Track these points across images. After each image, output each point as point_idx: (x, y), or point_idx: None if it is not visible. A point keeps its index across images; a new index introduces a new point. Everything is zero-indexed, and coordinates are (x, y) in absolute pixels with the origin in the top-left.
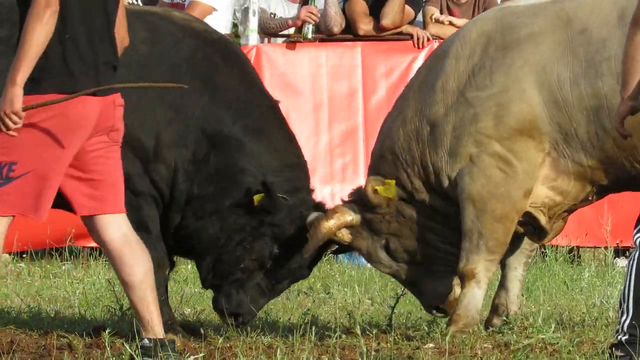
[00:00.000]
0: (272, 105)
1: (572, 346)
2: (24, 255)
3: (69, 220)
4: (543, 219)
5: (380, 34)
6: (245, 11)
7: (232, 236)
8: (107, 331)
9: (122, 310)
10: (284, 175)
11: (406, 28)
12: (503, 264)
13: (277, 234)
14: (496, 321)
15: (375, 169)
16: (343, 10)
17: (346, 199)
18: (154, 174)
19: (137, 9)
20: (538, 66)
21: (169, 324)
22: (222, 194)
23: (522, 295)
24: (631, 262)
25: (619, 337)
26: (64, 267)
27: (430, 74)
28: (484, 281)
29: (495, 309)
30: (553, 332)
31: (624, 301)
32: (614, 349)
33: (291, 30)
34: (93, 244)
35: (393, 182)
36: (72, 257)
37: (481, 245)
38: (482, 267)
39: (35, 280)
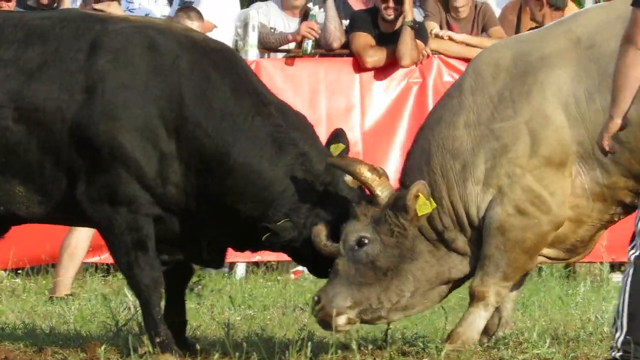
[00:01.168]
0: (261, 112)
1: None
2: (19, 272)
3: (63, 236)
4: (552, 253)
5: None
6: (246, 26)
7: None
8: (102, 347)
9: (117, 326)
10: (277, 199)
11: None
12: None
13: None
14: (484, 341)
15: None
16: (345, 30)
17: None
18: (164, 196)
19: (136, 23)
20: (554, 87)
21: (166, 342)
22: (225, 218)
23: (517, 310)
24: (625, 278)
25: (613, 353)
26: None
27: (447, 111)
28: (492, 305)
29: (486, 330)
30: (548, 347)
31: (618, 317)
32: None
33: (291, 45)
34: (89, 260)
35: (434, 206)
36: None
37: (500, 271)
38: (493, 291)
39: (31, 297)
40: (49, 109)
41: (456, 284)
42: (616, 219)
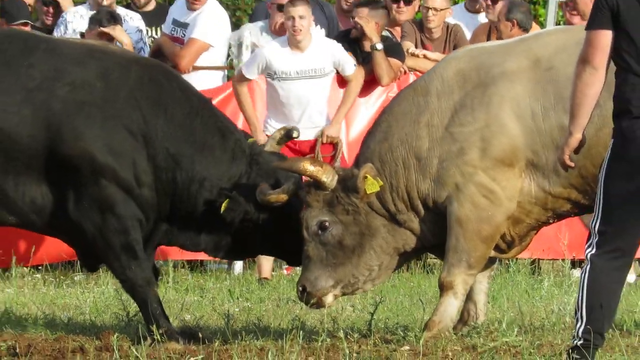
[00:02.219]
0: (206, 107)
1: (533, 348)
2: (40, 268)
3: None
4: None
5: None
6: (240, 46)
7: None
8: (115, 335)
9: (128, 316)
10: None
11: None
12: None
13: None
14: (462, 329)
15: None
16: None
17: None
18: (140, 197)
19: (81, 46)
20: (514, 101)
21: (169, 332)
22: (189, 205)
23: (488, 303)
24: (583, 274)
25: (575, 342)
26: (76, 278)
27: (413, 107)
28: (461, 293)
29: (462, 319)
30: (516, 335)
31: (579, 310)
32: (570, 351)
33: None
34: None
35: (382, 184)
36: (83, 269)
37: (463, 261)
38: (460, 280)
39: (50, 290)
40: (8, 123)
41: (409, 256)
42: (551, 222)
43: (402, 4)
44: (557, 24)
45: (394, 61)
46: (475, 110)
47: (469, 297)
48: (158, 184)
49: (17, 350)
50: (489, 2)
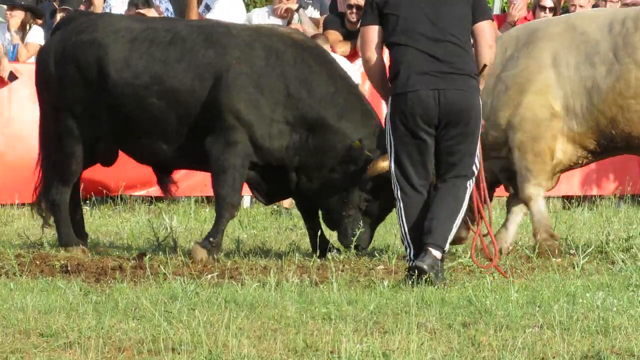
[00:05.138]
0: (352, 91)
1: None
2: (87, 201)
3: (121, 175)
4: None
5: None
6: None
7: (334, 193)
8: (147, 256)
9: (158, 241)
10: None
11: None
12: (509, 209)
13: (364, 188)
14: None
15: None
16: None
17: None
18: (266, 148)
19: (252, 30)
20: (552, 52)
21: (214, 245)
22: (320, 165)
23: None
24: (398, 211)
25: (410, 263)
26: (116, 210)
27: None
28: (540, 196)
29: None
30: (469, 258)
31: (405, 239)
32: (410, 271)
33: None
34: (138, 193)
35: None
36: (122, 202)
37: (527, 177)
38: (532, 190)
39: (95, 219)
40: (183, 90)
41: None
42: (580, 162)
43: (354, 9)
44: (502, 10)
45: None
46: (519, 58)
47: (504, 225)
48: (290, 141)
49: (69, 268)
50: None
